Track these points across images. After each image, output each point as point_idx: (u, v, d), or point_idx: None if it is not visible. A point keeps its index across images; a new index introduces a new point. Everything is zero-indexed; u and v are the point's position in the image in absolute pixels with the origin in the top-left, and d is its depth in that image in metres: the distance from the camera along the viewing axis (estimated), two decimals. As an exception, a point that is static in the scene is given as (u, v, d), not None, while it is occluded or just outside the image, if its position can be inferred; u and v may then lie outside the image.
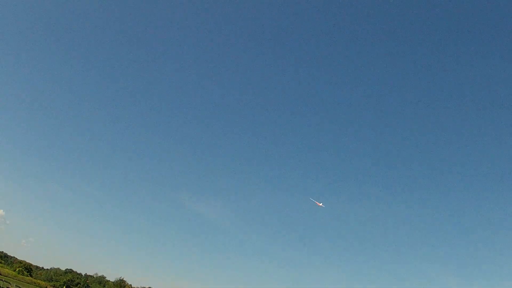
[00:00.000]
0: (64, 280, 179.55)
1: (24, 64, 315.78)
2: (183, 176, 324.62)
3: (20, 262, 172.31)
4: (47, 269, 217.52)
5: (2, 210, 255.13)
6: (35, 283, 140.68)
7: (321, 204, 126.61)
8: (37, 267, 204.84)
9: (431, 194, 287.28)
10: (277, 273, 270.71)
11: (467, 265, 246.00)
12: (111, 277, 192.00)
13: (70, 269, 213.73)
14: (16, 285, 74.09)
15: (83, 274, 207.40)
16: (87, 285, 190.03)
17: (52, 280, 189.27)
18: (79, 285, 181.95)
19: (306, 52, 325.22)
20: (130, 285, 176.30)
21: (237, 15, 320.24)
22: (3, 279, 79.54)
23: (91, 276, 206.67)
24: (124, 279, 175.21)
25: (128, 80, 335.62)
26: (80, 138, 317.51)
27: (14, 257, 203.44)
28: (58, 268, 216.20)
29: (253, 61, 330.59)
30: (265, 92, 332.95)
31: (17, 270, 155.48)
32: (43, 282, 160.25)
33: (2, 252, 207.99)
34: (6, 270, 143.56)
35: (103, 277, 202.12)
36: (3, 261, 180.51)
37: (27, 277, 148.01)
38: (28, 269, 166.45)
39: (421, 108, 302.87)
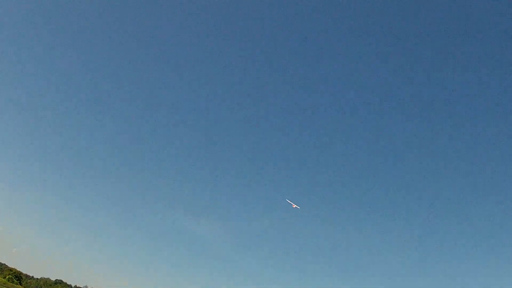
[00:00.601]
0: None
1: (22, 63, 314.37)
2: (178, 194, 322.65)
3: (10, 269, 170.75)
4: (37, 279, 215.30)
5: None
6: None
7: (295, 206, 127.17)
8: (27, 275, 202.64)
9: (429, 194, 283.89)
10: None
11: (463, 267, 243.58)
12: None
13: (60, 279, 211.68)
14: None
15: (72, 285, 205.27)
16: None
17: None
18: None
19: (303, 52, 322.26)
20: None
21: (237, 15, 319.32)
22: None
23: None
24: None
25: (127, 90, 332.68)
26: (76, 151, 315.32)
27: (4, 264, 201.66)
28: (48, 278, 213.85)
29: (255, 62, 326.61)
30: (262, 104, 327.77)
31: (7, 277, 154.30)
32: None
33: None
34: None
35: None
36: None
37: (17, 285, 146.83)
38: (18, 277, 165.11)
39: (419, 108, 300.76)
